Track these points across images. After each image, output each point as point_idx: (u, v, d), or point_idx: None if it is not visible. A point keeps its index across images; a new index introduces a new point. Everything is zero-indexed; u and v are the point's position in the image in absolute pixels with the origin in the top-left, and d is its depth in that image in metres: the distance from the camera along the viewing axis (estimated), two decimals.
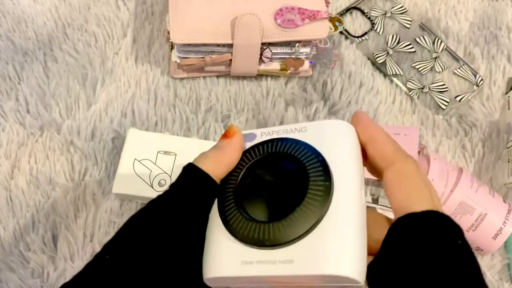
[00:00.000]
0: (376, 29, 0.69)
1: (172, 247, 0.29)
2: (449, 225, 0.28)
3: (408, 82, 0.65)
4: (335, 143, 0.30)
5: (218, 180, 0.32)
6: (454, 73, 0.66)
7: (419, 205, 0.28)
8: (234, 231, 0.28)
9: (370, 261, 0.29)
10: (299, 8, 0.58)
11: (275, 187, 0.30)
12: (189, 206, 0.30)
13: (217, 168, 0.31)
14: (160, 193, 0.31)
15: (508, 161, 0.59)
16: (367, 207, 0.30)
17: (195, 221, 0.30)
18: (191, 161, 0.32)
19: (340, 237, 0.27)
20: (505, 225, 0.52)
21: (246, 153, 0.32)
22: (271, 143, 0.32)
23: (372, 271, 0.28)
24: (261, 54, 0.60)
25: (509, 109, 0.63)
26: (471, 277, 0.26)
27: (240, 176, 0.31)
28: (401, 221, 0.28)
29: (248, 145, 0.32)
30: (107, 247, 0.29)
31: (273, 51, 0.60)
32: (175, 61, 0.60)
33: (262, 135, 0.32)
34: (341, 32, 0.67)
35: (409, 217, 0.28)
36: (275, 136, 0.32)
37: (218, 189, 0.31)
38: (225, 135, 0.33)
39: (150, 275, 0.28)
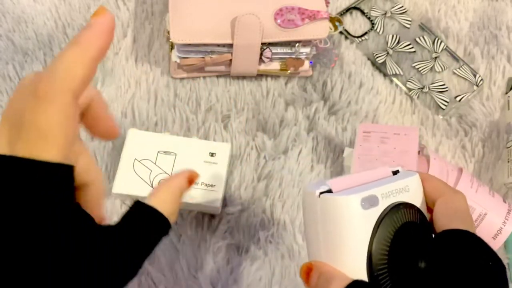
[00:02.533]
0: (376, 29, 0.69)
1: None
2: (483, 246, 0.31)
3: (408, 82, 0.65)
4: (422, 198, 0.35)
5: None
6: (454, 73, 0.66)
7: (458, 226, 0.31)
8: None
9: None
10: (299, 8, 0.58)
11: (422, 270, 0.32)
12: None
13: None
14: None
15: (508, 161, 0.59)
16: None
17: None
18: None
19: None
20: (505, 225, 0.52)
21: (384, 229, 0.31)
22: (401, 213, 0.32)
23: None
24: (261, 54, 0.60)
25: (509, 109, 0.63)
26: None
27: (388, 264, 0.31)
28: (441, 235, 0.32)
29: (373, 211, 0.31)
30: None
31: (273, 51, 0.60)
32: (175, 61, 0.60)
33: (382, 197, 0.32)
34: (341, 32, 0.67)
35: (448, 232, 0.31)
36: (393, 198, 0.32)
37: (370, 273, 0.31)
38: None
39: None
